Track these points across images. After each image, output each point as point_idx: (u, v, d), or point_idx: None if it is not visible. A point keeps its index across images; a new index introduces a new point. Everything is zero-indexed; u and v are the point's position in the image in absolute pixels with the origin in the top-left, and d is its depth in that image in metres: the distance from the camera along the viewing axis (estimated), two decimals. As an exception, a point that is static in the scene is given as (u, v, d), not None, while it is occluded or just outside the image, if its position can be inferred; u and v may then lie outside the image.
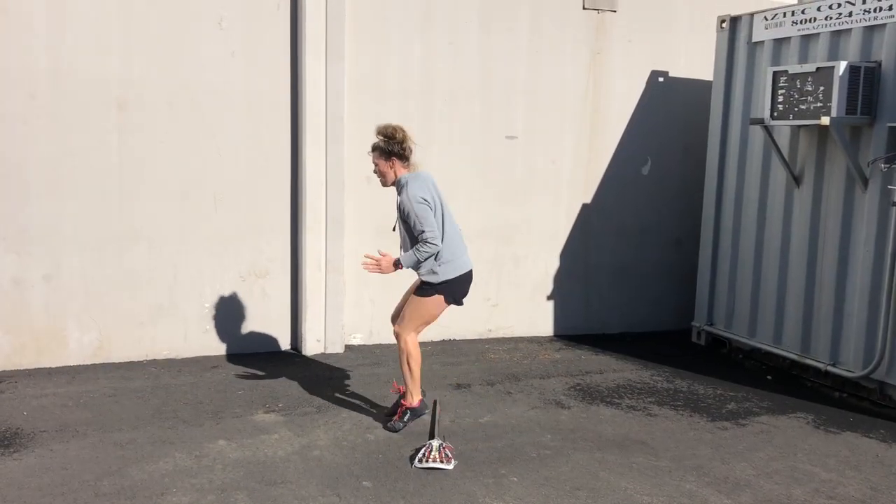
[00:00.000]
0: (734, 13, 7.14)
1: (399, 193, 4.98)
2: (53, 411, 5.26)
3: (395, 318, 5.25)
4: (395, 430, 5.08)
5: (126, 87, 6.19)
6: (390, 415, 5.25)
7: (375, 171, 5.10)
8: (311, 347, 6.82)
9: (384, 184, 5.10)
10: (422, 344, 7.17)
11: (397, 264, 4.96)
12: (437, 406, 4.97)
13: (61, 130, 6.05)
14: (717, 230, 7.43)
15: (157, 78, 6.26)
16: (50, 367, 6.16)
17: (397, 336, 5.13)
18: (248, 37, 6.49)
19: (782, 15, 6.59)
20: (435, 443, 4.70)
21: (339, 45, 6.62)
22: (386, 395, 5.79)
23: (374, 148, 5.05)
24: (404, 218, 4.93)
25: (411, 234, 4.94)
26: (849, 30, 6.02)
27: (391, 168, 5.02)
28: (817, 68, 5.95)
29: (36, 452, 4.59)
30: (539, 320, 7.82)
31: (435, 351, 6.97)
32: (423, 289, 5.04)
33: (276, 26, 6.57)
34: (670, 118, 7.99)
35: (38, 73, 5.94)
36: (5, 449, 4.63)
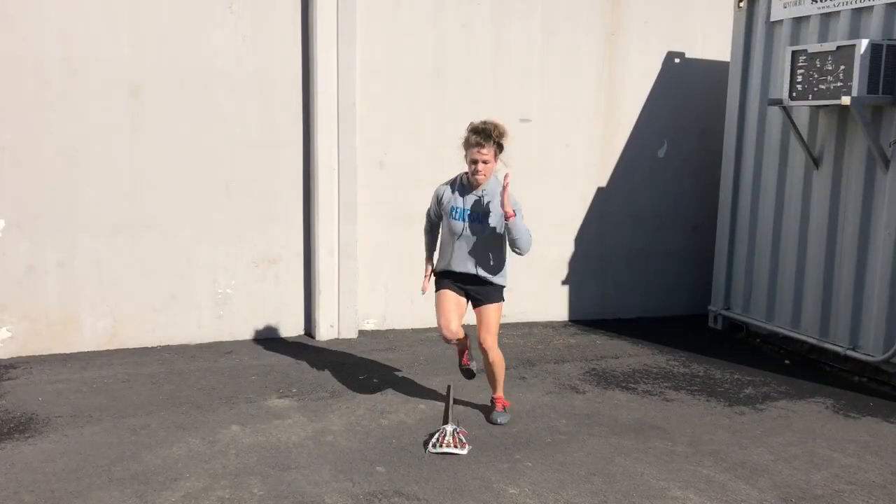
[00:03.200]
0: (752, -8, 7.02)
1: (487, 195, 4.73)
2: (68, 397, 5.27)
3: (452, 329, 4.82)
4: (499, 423, 5.02)
5: (138, 74, 6.16)
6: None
7: (477, 165, 4.66)
8: (324, 333, 6.81)
9: (480, 182, 4.71)
10: (435, 329, 7.13)
11: (514, 213, 4.64)
12: (451, 391, 4.94)
13: (74, 118, 6.04)
14: (734, 213, 7.34)
15: (168, 64, 6.23)
16: (64, 354, 6.18)
17: (490, 350, 4.88)
18: (258, 21, 6.45)
19: (801, -7, 6.47)
20: (449, 428, 4.67)
21: (351, 29, 6.56)
22: (400, 380, 5.77)
23: (495, 142, 4.67)
24: (500, 221, 4.70)
25: (491, 239, 4.75)
26: (871, 7, 5.89)
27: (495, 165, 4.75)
28: (838, 47, 5.83)
29: (51, 437, 4.61)
30: (553, 305, 7.77)
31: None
32: (495, 293, 4.88)
33: (286, 10, 6.51)
34: (687, 100, 7.88)
35: (50, 61, 5.93)
36: (21, 434, 4.65)
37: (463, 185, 4.84)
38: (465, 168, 4.83)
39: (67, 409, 5.05)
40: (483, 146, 4.63)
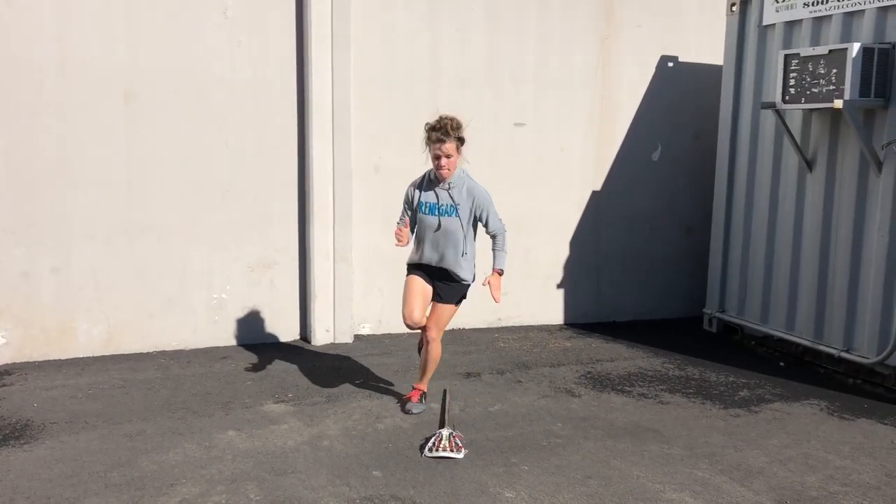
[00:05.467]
0: (744, -4, 7.05)
1: (454, 188, 4.90)
2: (63, 403, 5.26)
3: (414, 317, 4.99)
4: (411, 412, 5.17)
5: (133, 78, 6.17)
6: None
7: (440, 160, 4.83)
8: (320, 337, 6.81)
9: (445, 176, 4.88)
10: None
11: (501, 273, 5.02)
12: (447, 395, 4.95)
13: (69, 122, 6.03)
14: (728, 216, 7.36)
15: (163, 68, 6.24)
16: (60, 360, 6.17)
17: (433, 342, 5.07)
18: (253, 26, 6.46)
19: (794, -3, 6.50)
20: (445, 432, 4.67)
21: (346, 33, 6.57)
22: (396, 384, 5.77)
23: (455, 136, 4.81)
24: (469, 213, 4.91)
25: (461, 230, 4.91)
26: (862, 11, 5.93)
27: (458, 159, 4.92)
28: (830, 50, 5.86)
29: (46, 444, 4.60)
30: (549, 308, 7.78)
31: (444, 340, 6.87)
32: (456, 294, 5.07)
33: (281, 15, 6.53)
34: (680, 104, 7.91)
35: (45, 65, 5.92)
36: (16, 440, 4.64)
37: (430, 180, 5.00)
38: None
39: (63, 416, 5.04)
40: (444, 142, 4.80)
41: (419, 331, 5.19)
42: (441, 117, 4.85)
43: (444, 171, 4.87)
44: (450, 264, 4.99)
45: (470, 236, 5.03)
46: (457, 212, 4.92)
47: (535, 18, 7.32)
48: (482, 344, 6.96)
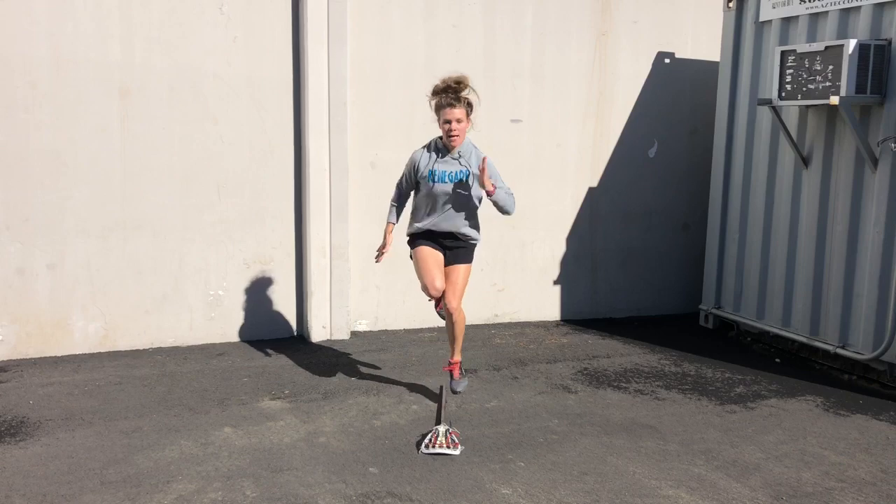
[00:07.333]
0: (741, -8, 7.05)
1: (464, 156, 4.85)
2: (59, 400, 5.25)
3: (437, 286, 4.89)
4: (457, 391, 5.15)
5: (128, 75, 6.14)
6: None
7: (451, 125, 4.74)
8: (316, 334, 6.81)
9: (456, 143, 4.81)
10: (427, 330, 7.20)
11: (494, 187, 4.85)
12: (444, 391, 4.94)
13: (63, 119, 6.01)
14: (724, 212, 7.37)
15: (158, 64, 6.22)
16: (55, 356, 6.15)
17: (455, 311, 4.99)
18: (249, 22, 6.44)
19: (790, -7, 6.50)
20: (441, 428, 4.67)
21: (342, 29, 6.55)
22: (391, 381, 5.77)
23: (464, 101, 4.74)
24: (473, 180, 4.84)
25: (473, 197, 4.88)
26: (858, 7, 5.93)
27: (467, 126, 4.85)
28: (826, 47, 5.87)
29: (42, 441, 4.59)
30: (545, 305, 7.78)
31: (441, 336, 6.93)
32: (469, 253, 5.04)
33: (277, 11, 6.51)
34: (677, 100, 7.91)
35: (40, 61, 5.90)
36: (12, 437, 4.63)
37: (438, 148, 4.93)
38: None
39: (59, 412, 5.03)
40: (455, 106, 4.74)
41: (438, 300, 5.07)
42: (445, 79, 4.76)
43: (455, 137, 4.78)
44: (459, 227, 4.94)
45: (476, 205, 4.98)
46: (468, 178, 4.84)
47: (531, 14, 7.31)
48: (478, 340, 6.96)
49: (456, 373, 5.18)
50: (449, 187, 4.84)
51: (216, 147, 6.46)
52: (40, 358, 6.11)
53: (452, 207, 4.89)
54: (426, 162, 4.90)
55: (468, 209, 4.93)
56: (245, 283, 6.70)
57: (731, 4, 7.11)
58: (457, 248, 5.01)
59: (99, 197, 6.18)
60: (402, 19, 6.90)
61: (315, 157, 6.61)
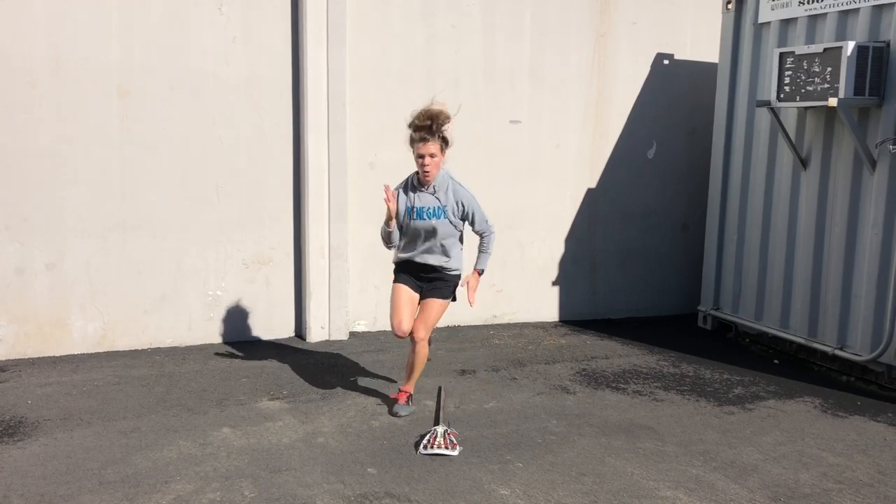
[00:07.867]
0: (740, -6, 7.06)
1: (439, 190, 4.87)
2: (58, 400, 5.25)
3: (402, 328, 4.94)
4: (400, 415, 5.09)
5: (127, 75, 6.14)
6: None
7: (424, 160, 4.76)
8: (315, 335, 6.81)
9: (429, 178, 4.82)
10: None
11: (480, 273, 5.04)
12: (442, 392, 4.95)
13: (62, 119, 6.01)
14: (723, 214, 7.38)
15: (157, 65, 6.22)
16: (54, 356, 6.15)
17: (420, 342, 4.96)
18: (248, 22, 6.44)
19: (789, -5, 6.51)
20: (440, 429, 4.68)
21: (341, 30, 6.56)
22: (391, 382, 5.77)
23: (439, 136, 4.75)
24: (454, 214, 4.89)
25: (451, 231, 4.92)
26: (857, 9, 5.93)
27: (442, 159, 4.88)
28: (825, 49, 5.87)
29: (40, 441, 4.59)
30: (544, 306, 7.79)
31: (440, 337, 6.94)
32: (449, 289, 5.04)
33: (276, 11, 6.51)
34: (676, 101, 7.92)
35: (39, 62, 5.90)
36: (10, 437, 4.62)
37: (414, 185, 4.95)
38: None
39: (57, 412, 5.03)
40: (427, 141, 4.74)
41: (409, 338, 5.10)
42: (424, 112, 4.76)
43: (429, 172, 4.81)
44: (440, 261, 4.98)
45: (457, 236, 5.02)
46: (444, 213, 4.89)
47: (530, 15, 7.32)
48: (477, 341, 6.97)
49: (402, 400, 5.17)
50: (427, 224, 4.89)
51: (215, 147, 6.46)
52: (39, 358, 6.11)
53: (430, 241, 4.94)
54: (402, 199, 4.93)
55: (446, 242, 4.95)
56: (244, 284, 6.70)
57: (730, 6, 7.12)
58: (435, 281, 5.03)
59: (98, 197, 6.18)
60: (401, 20, 6.90)
61: (314, 158, 6.61)
